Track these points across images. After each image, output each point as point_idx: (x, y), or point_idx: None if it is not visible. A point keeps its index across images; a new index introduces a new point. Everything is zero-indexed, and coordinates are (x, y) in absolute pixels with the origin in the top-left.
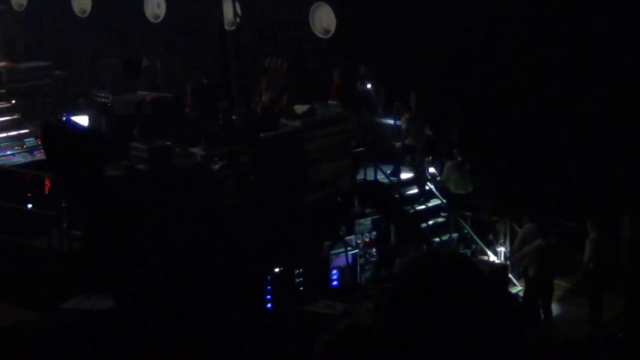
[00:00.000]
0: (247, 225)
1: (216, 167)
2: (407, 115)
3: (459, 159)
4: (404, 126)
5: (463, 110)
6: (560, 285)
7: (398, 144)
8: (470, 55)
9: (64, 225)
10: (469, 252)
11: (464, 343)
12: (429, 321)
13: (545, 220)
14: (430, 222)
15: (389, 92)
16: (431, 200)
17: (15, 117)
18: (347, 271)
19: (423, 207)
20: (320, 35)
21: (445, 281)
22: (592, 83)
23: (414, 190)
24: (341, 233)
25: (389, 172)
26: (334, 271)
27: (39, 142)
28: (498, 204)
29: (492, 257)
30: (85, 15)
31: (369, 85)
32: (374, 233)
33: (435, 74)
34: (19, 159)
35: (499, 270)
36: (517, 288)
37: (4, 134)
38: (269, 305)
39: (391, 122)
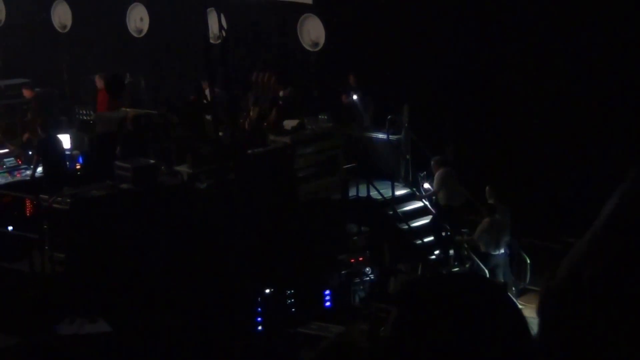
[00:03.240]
0: (235, 245)
1: (203, 185)
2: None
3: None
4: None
5: (458, 125)
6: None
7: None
8: (467, 67)
9: (46, 247)
10: (464, 270)
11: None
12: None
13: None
14: (426, 239)
15: (383, 106)
16: (426, 217)
17: None
18: (341, 291)
19: (418, 224)
20: (309, 48)
21: (452, 300)
22: (591, 95)
23: (409, 207)
24: (334, 251)
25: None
26: (327, 292)
27: (19, 162)
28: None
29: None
30: (65, 31)
31: (355, 97)
32: (368, 252)
33: (429, 87)
34: None
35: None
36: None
37: None
38: (259, 327)
39: (383, 136)
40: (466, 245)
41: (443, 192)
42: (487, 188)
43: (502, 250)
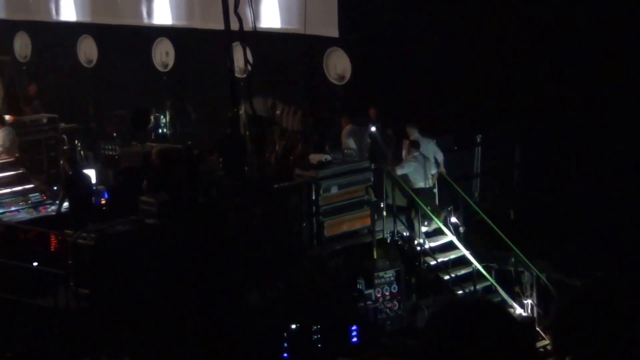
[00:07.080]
0: (261, 280)
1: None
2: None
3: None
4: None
5: (484, 164)
6: None
7: None
8: (492, 102)
9: (71, 283)
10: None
11: None
12: None
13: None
14: (454, 275)
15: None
16: (454, 252)
17: (20, 171)
18: (367, 327)
19: (445, 258)
20: (335, 82)
21: (472, 331)
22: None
23: (437, 242)
24: (360, 287)
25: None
26: (354, 327)
27: (44, 198)
28: (524, 255)
29: (519, 310)
30: (91, 66)
31: (373, 129)
32: (395, 286)
33: (457, 121)
34: (24, 215)
35: (526, 324)
36: (545, 342)
37: (8, 190)
38: None
39: None
40: (389, 171)
41: (357, 148)
42: (406, 127)
43: (431, 184)
